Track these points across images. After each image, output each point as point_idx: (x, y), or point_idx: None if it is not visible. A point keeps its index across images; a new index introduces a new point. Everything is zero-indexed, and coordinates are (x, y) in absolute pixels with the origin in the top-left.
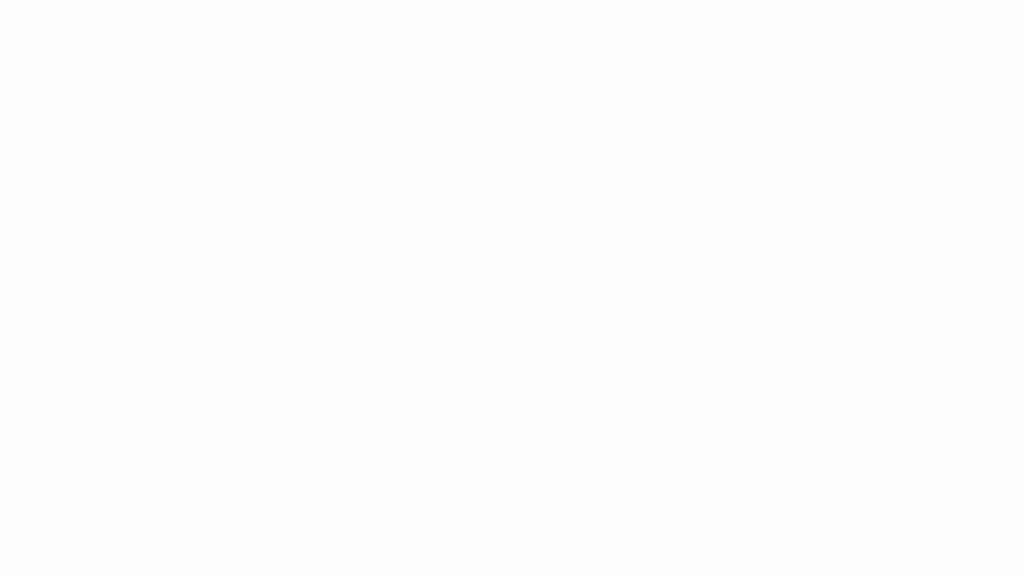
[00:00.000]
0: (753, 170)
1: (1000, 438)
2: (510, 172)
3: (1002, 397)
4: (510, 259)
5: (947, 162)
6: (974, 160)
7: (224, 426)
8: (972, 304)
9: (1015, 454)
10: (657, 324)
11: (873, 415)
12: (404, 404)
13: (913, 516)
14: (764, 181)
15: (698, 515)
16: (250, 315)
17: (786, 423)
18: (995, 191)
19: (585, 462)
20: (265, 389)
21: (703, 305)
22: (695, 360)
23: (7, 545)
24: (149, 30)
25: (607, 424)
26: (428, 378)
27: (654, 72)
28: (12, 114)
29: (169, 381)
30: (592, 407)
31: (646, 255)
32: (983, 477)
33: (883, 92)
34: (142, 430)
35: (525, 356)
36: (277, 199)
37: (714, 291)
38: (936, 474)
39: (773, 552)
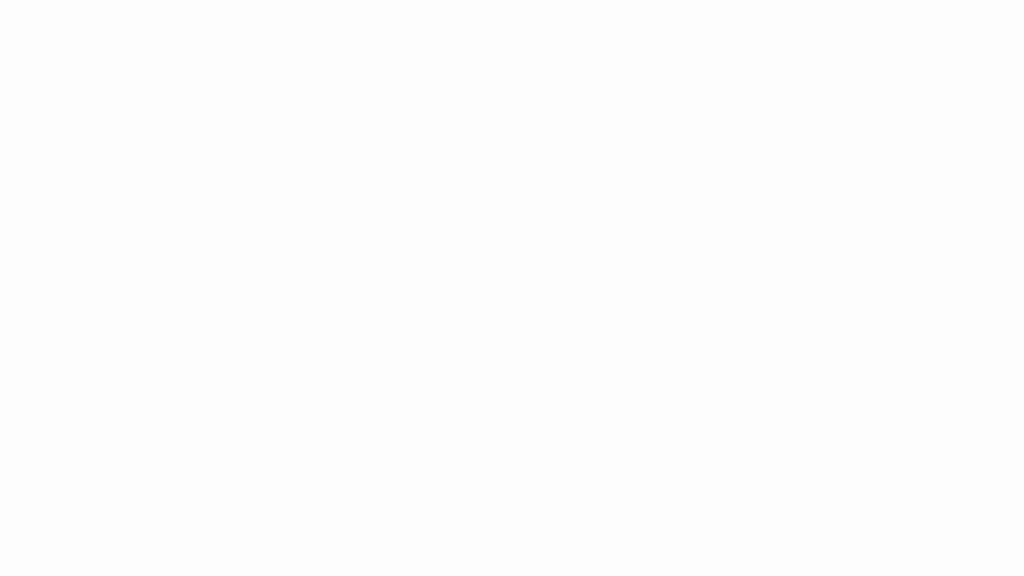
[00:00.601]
0: (753, 170)
1: (1000, 438)
2: (510, 172)
3: (1002, 397)
4: (510, 259)
5: (947, 162)
6: (974, 160)
7: (224, 426)
8: (972, 304)
9: (1015, 454)
10: (657, 324)
11: (872, 415)
12: (404, 404)
13: (912, 516)
14: (764, 181)
15: (697, 515)
16: (250, 314)
17: (785, 423)
18: (995, 191)
19: (584, 462)
20: (264, 388)
21: (703, 305)
22: (695, 360)
23: (7, 545)
24: (149, 30)
25: (606, 424)
26: (427, 377)
27: (654, 72)
28: (12, 114)
29: (169, 381)
30: (591, 407)
31: (646, 255)
32: (983, 477)
33: (883, 92)
34: (142, 430)
35: (524, 356)
36: (277, 199)
37: (714, 291)
38: (935, 474)
39: (772, 552)
